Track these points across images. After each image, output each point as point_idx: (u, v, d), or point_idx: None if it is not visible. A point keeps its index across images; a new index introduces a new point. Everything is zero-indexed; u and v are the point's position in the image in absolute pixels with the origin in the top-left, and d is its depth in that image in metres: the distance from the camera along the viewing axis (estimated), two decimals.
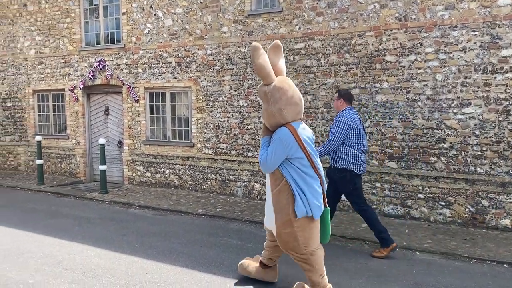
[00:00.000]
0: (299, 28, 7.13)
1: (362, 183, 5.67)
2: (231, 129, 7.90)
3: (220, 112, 7.97)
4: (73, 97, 9.65)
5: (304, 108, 6.98)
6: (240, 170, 7.86)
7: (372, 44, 6.58)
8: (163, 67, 8.50)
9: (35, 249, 5.10)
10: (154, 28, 8.52)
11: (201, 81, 8.12)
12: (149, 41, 8.60)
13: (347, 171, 4.88)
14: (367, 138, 6.25)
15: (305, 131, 3.69)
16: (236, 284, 4.14)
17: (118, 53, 8.97)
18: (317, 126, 7.06)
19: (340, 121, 4.86)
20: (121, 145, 9.20)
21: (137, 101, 8.85)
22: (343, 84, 6.78)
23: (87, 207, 7.38)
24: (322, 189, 3.71)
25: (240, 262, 4.27)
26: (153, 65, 8.61)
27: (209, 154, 8.18)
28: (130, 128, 8.96)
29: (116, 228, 6.06)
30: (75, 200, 7.92)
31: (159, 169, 8.74)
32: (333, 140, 4.84)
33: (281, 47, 3.90)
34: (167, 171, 8.65)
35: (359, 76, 6.70)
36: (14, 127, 10.82)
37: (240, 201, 7.56)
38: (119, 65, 8.98)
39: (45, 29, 9.97)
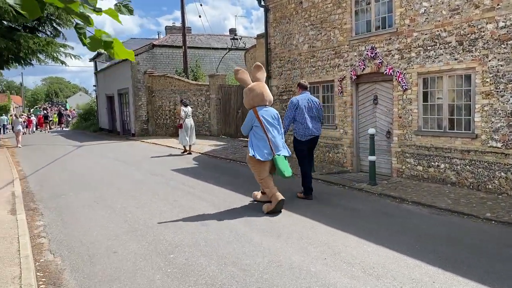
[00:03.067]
0: None
1: None
2: None
3: None
4: (339, 88, 9.77)
5: None
6: None
7: None
8: (440, 49, 7.55)
9: (312, 235, 5.20)
10: (431, 6, 7.63)
11: (489, 61, 6.81)
12: (424, 21, 7.78)
13: (293, 137, 7.14)
14: None
15: (266, 112, 6.44)
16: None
17: (390, 39, 8.48)
18: None
19: (289, 105, 7.01)
20: (389, 135, 8.75)
21: (405, 90, 8.20)
22: None
23: (356, 197, 7.25)
24: (271, 145, 6.26)
25: (253, 192, 7.11)
26: (428, 48, 7.75)
27: (498, 147, 6.81)
28: (400, 117, 8.38)
29: (390, 223, 5.64)
30: (343, 189, 7.92)
31: (432, 163, 7.87)
32: (284, 120, 7.03)
33: (262, 66, 6.77)
34: (442, 165, 7.69)
35: None
36: None
37: None
38: (390, 51, 8.49)
39: (318, 23, 10.40)
